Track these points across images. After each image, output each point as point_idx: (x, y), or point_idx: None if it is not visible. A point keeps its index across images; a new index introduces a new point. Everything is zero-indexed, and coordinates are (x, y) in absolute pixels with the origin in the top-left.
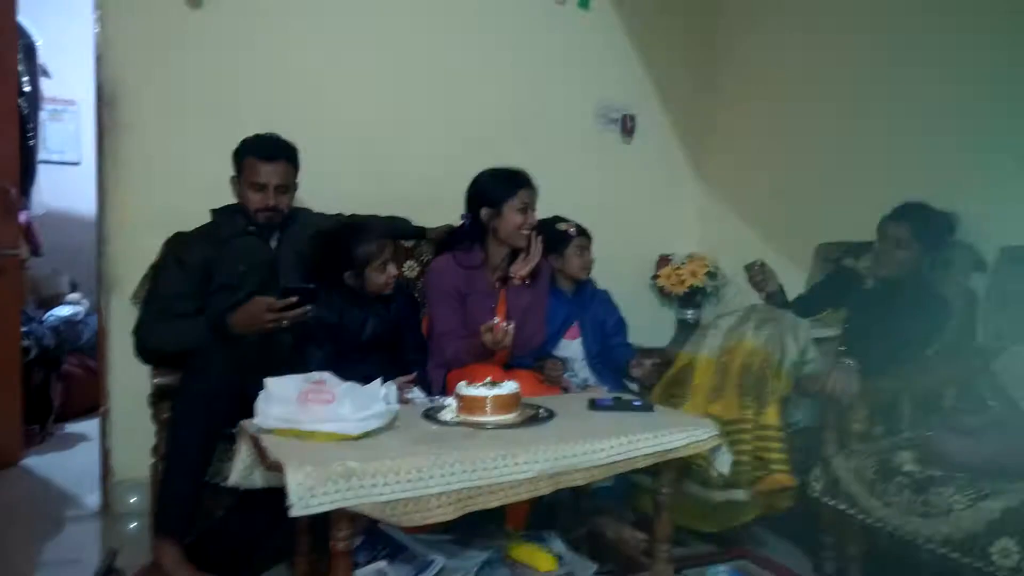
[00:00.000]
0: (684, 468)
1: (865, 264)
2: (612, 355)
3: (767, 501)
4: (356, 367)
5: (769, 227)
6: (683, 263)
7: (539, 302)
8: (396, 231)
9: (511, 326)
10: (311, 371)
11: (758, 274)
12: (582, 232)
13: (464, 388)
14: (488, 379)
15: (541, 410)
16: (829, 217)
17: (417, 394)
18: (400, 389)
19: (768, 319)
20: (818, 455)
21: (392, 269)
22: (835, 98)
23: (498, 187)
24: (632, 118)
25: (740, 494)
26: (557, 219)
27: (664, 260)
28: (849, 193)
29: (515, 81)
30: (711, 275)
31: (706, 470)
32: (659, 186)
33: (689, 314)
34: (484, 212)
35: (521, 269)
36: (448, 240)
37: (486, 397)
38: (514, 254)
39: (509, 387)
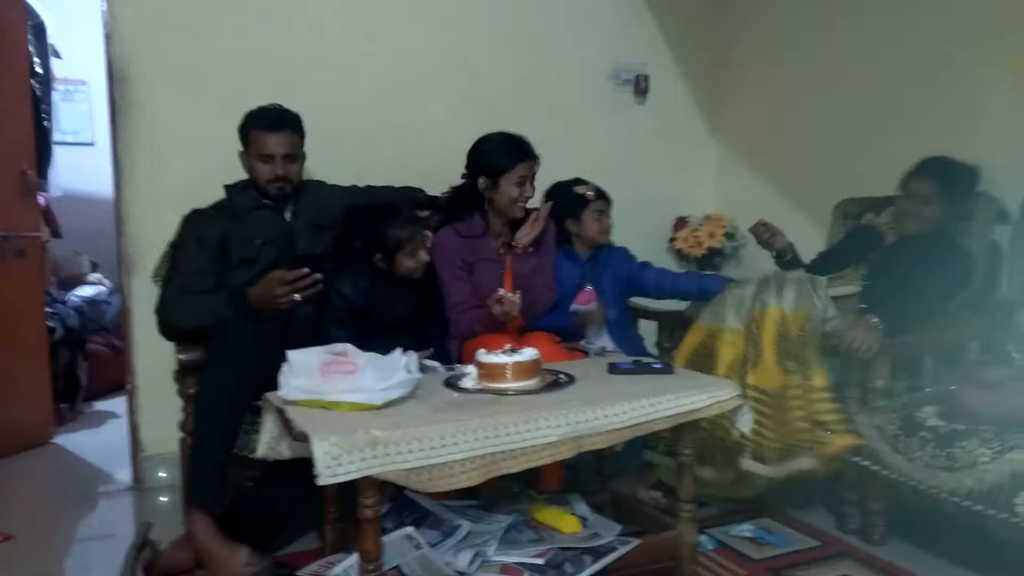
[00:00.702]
0: (736, 447)
1: (885, 220)
2: (680, 287)
3: (832, 463)
4: (380, 347)
5: (788, 185)
6: (701, 225)
7: (544, 264)
8: (414, 203)
9: (517, 296)
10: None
11: (765, 231)
12: (601, 196)
13: (484, 355)
14: (508, 346)
15: (561, 375)
16: (849, 173)
17: (435, 366)
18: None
19: (787, 282)
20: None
21: (423, 256)
22: (853, 51)
23: (497, 158)
24: (646, 78)
25: (805, 462)
26: (577, 181)
27: (681, 222)
28: (869, 148)
29: (526, 44)
30: (729, 236)
31: (758, 444)
32: (675, 147)
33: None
34: (481, 181)
35: (524, 238)
36: (451, 205)
37: (506, 364)
38: (517, 220)
39: (529, 353)
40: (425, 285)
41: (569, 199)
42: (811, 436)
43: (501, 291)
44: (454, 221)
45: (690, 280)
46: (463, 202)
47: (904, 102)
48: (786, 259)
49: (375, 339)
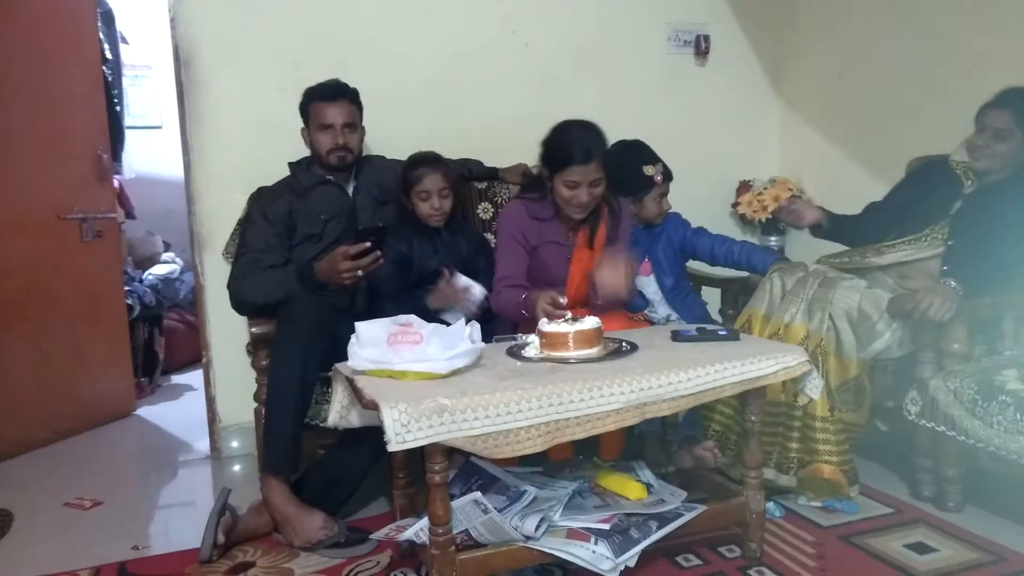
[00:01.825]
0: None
1: (959, 159)
2: (733, 257)
3: (814, 488)
4: (424, 296)
5: (856, 144)
6: (765, 188)
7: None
8: (468, 173)
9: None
10: (383, 298)
11: (789, 215)
12: (668, 178)
13: (546, 325)
14: (569, 315)
15: (624, 343)
16: (920, 130)
17: (472, 286)
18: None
19: (818, 299)
20: (912, 378)
21: (436, 202)
22: (924, 2)
23: (553, 155)
24: (706, 38)
25: (785, 480)
26: (644, 150)
27: (745, 186)
28: (941, 103)
29: (580, 7)
30: (795, 199)
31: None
32: (737, 108)
33: (773, 240)
34: (544, 171)
35: (600, 294)
36: (528, 183)
37: (568, 332)
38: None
39: (590, 322)
40: (468, 242)
41: (634, 178)
42: (800, 457)
43: (563, 300)
44: (526, 196)
45: (742, 251)
46: (539, 181)
47: (980, 53)
48: (821, 229)
49: (422, 290)
